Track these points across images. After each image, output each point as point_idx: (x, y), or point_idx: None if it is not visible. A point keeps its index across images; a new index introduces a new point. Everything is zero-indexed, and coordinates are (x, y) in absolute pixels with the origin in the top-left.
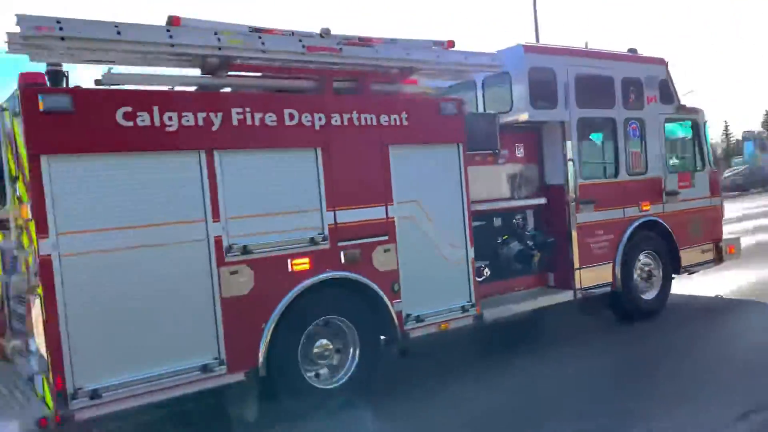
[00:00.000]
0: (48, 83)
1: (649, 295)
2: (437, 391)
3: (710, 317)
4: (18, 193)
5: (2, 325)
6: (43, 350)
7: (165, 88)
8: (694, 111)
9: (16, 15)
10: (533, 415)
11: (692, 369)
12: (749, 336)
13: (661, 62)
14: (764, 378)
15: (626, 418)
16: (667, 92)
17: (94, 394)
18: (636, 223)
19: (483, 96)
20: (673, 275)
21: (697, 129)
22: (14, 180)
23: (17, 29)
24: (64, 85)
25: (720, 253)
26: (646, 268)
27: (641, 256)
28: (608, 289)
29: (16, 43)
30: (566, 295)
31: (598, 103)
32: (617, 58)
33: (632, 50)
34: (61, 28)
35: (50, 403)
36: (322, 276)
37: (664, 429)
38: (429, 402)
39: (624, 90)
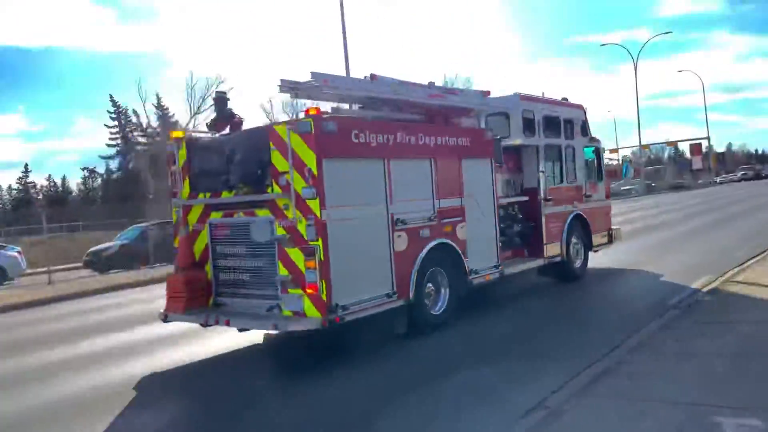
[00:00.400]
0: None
1: (578, 264)
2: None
3: (607, 278)
4: (284, 183)
5: (207, 287)
6: (316, 280)
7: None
8: (597, 141)
9: (312, 72)
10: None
11: (575, 312)
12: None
13: (581, 107)
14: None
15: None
16: (585, 127)
17: (343, 308)
18: (571, 216)
19: (486, 124)
20: (588, 251)
21: (599, 153)
22: (280, 174)
23: (292, 77)
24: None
25: (611, 238)
26: (576, 246)
27: (573, 238)
28: (559, 258)
29: (287, 87)
30: (539, 262)
31: (553, 135)
32: (561, 104)
33: (564, 98)
34: (326, 81)
35: (317, 313)
36: (436, 241)
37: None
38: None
39: (564, 126)
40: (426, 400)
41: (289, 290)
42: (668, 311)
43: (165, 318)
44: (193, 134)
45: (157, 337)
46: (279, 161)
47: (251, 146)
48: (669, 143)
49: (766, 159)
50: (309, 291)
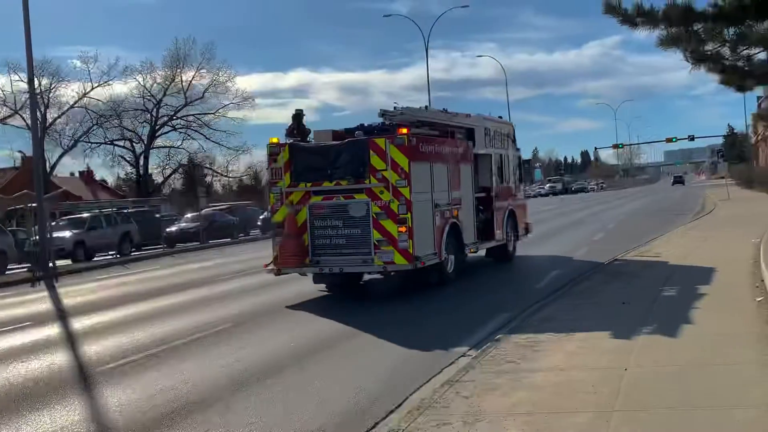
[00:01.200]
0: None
1: (511, 248)
2: None
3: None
4: (380, 176)
5: (305, 249)
6: (406, 239)
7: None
8: (519, 150)
9: (403, 108)
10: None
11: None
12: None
13: (511, 124)
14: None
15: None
16: (514, 140)
17: (418, 258)
18: (508, 210)
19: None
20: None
21: (520, 161)
22: (377, 170)
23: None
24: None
25: (527, 230)
26: (510, 234)
27: (508, 228)
28: (502, 242)
29: (384, 113)
30: (492, 243)
31: (498, 146)
32: (502, 122)
33: (500, 116)
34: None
35: (405, 261)
36: (452, 220)
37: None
38: None
39: (503, 139)
40: (463, 309)
41: (382, 247)
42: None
43: (278, 272)
44: (295, 141)
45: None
46: (377, 162)
47: (354, 152)
48: None
49: (575, 168)
50: (400, 248)
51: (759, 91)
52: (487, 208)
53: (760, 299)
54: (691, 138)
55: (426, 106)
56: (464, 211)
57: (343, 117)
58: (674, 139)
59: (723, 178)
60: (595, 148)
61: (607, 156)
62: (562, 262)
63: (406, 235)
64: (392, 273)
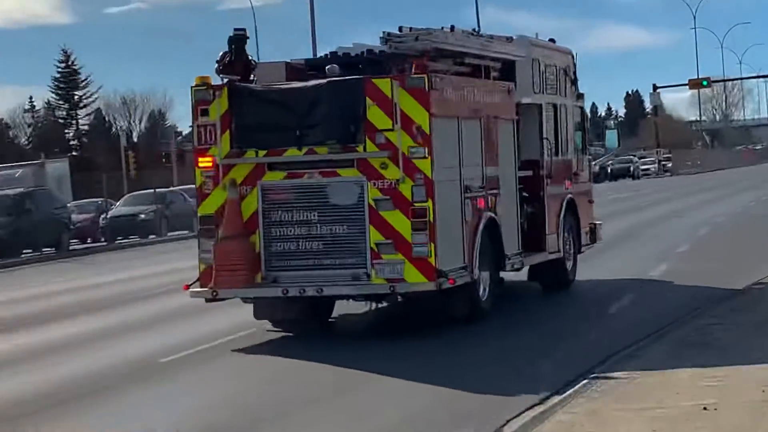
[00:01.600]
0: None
1: (569, 265)
2: None
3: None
4: (382, 141)
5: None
6: (424, 245)
7: None
8: (583, 97)
9: (417, 30)
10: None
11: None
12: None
13: (571, 53)
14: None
15: None
16: (575, 80)
17: (443, 274)
18: (566, 200)
19: None
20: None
21: (584, 116)
22: (378, 131)
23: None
24: None
25: (594, 235)
26: (569, 241)
27: (566, 232)
28: (557, 255)
29: (387, 38)
30: (542, 257)
31: (551, 90)
32: (556, 49)
33: (552, 39)
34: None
35: (422, 278)
36: (489, 214)
37: None
38: None
39: (559, 79)
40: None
41: (384, 256)
42: None
43: (213, 296)
44: (239, 82)
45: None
46: (378, 117)
47: (339, 99)
48: None
49: (616, 126)
50: (414, 256)
51: None
52: (534, 196)
53: None
54: None
55: (452, 27)
56: (504, 200)
57: None
58: None
59: None
60: (655, 87)
61: (679, 103)
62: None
63: (426, 236)
64: (399, 298)
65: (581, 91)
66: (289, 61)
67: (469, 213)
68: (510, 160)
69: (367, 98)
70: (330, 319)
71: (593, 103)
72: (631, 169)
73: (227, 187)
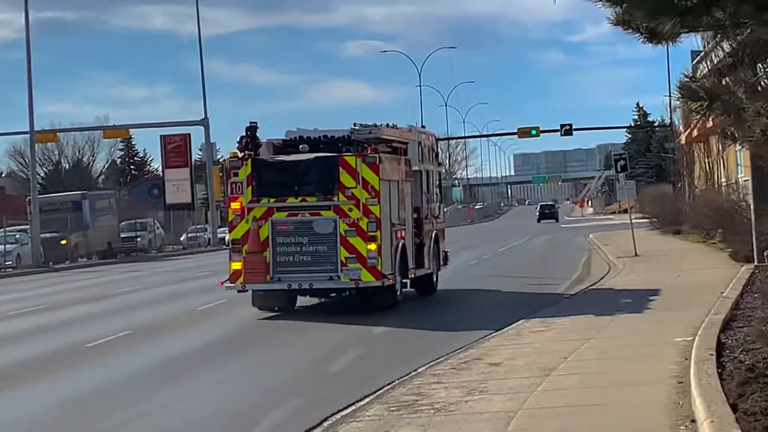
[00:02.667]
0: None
1: (435, 278)
2: None
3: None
4: (349, 194)
5: (266, 266)
6: (382, 259)
7: None
8: (442, 165)
9: (371, 126)
10: None
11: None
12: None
13: (434, 134)
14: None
15: None
16: (438, 153)
17: (384, 276)
18: (434, 233)
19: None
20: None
21: (440, 177)
22: (346, 188)
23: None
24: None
25: (446, 259)
26: (434, 262)
27: (433, 255)
28: (430, 271)
29: (362, 129)
30: (424, 271)
31: (427, 161)
32: (428, 133)
33: (423, 126)
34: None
35: (372, 278)
36: (402, 241)
37: None
38: None
39: (429, 152)
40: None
41: (349, 265)
42: None
43: (243, 288)
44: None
45: None
46: (347, 180)
47: (322, 168)
48: None
49: None
50: (369, 265)
51: (690, 42)
52: (418, 231)
53: None
54: (567, 131)
55: (387, 124)
56: (407, 233)
57: None
58: (533, 132)
59: (626, 211)
60: None
61: None
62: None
63: (376, 253)
64: (356, 290)
65: (440, 161)
66: (271, 140)
67: (394, 240)
68: (409, 206)
69: (340, 168)
70: (294, 308)
71: None
72: None
73: (250, 222)
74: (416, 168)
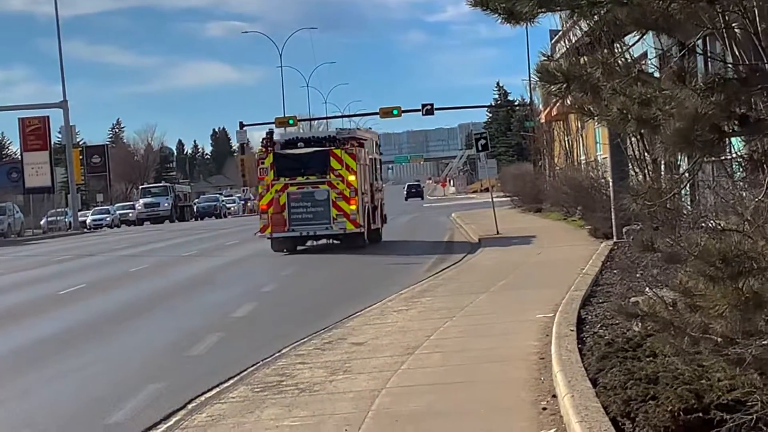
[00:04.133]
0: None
1: (381, 232)
2: None
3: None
4: (337, 174)
5: (285, 221)
6: (359, 215)
7: None
8: (381, 154)
9: (349, 129)
10: None
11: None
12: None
13: (377, 134)
14: None
15: None
16: (379, 146)
17: (360, 226)
18: (381, 201)
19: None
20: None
21: (380, 162)
22: (334, 170)
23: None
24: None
25: (385, 219)
26: (380, 221)
27: (379, 216)
28: (378, 226)
29: (345, 132)
30: (375, 226)
31: (374, 152)
32: (373, 133)
33: (370, 128)
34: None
35: (354, 227)
36: (367, 204)
37: None
38: None
39: (376, 146)
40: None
41: (338, 219)
42: None
43: (271, 236)
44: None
45: None
46: (335, 164)
47: (319, 158)
48: None
49: (205, 165)
50: (352, 219)
51: (548, 21)
52: (372, 199)
53: None
54: (429, 110)
55: (357, 128)
56: (368, 199)
57: None
58: (395, 112)
59: (488, 190)
60: (242, 125)
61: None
62: None
63: (355, 211)
64: (344, 235)
65: (380, 152)
66: (278, 140)
67: (363, 203)
68: (368, 182)
69: (330, 157)
70: (296, 250)
71: (179, 140)
72: (217, 207)
73: (273, 193)
74: (371, 156)
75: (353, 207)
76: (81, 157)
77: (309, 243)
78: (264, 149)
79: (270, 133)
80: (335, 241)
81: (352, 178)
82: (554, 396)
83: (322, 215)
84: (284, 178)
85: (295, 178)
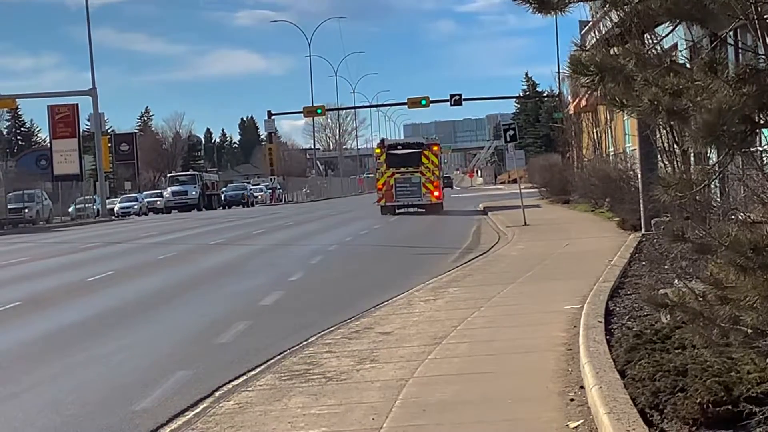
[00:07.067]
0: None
1: (443, 207)
2: None
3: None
4: (427, 165)
5: (393, 195)
6: (440, 191)
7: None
8: (441, 151)
9: (431, 136)
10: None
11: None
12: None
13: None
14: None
15: None
16: (440, 147)
17: (441, 198)
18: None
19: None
20: None
21: (441, 158)
22: (425, 163)
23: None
24: None
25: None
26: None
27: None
28: (442, 201)
29: (428, 138)
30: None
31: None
32: (438, 140)
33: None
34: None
35: (436, 200)
36: (443, 185)
37: None
38: None
39: (443, 148)
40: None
41: (427, 195)
42: None
43: (385, 204)
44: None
45: None
46: (426, 159)
47: (415, 155)
48: None
49: (233, 154)
50: (435, 195)
51: (579, 12)
52: (447, 183)
53: (576, 426)
54: (457, 101)
55: (434, 136)
56: (441, 183)
57: None
58: (423, 102)
59: (516, 181)
60: (270, 114)
61: (294, 130)
62: None
63: (439, 190)
64: (428, 205)
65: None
66: (389, 143)
67: (440, 185)
68: (441, 172)
69: (422, 155)
70: (397, 212)
71: (207, 129)
72: (244, 196)
73: (385, 177)
74: (439, 156)
75: (436, 187)
76: (109, 144)
77: (403, 210)
78: (380, 149)
79: (383, 139)
80: (421, 210)
81: (434, 169)
82: (582, 387)
83: (416, 192)
84: (392, 168)
85: (399, 168)
